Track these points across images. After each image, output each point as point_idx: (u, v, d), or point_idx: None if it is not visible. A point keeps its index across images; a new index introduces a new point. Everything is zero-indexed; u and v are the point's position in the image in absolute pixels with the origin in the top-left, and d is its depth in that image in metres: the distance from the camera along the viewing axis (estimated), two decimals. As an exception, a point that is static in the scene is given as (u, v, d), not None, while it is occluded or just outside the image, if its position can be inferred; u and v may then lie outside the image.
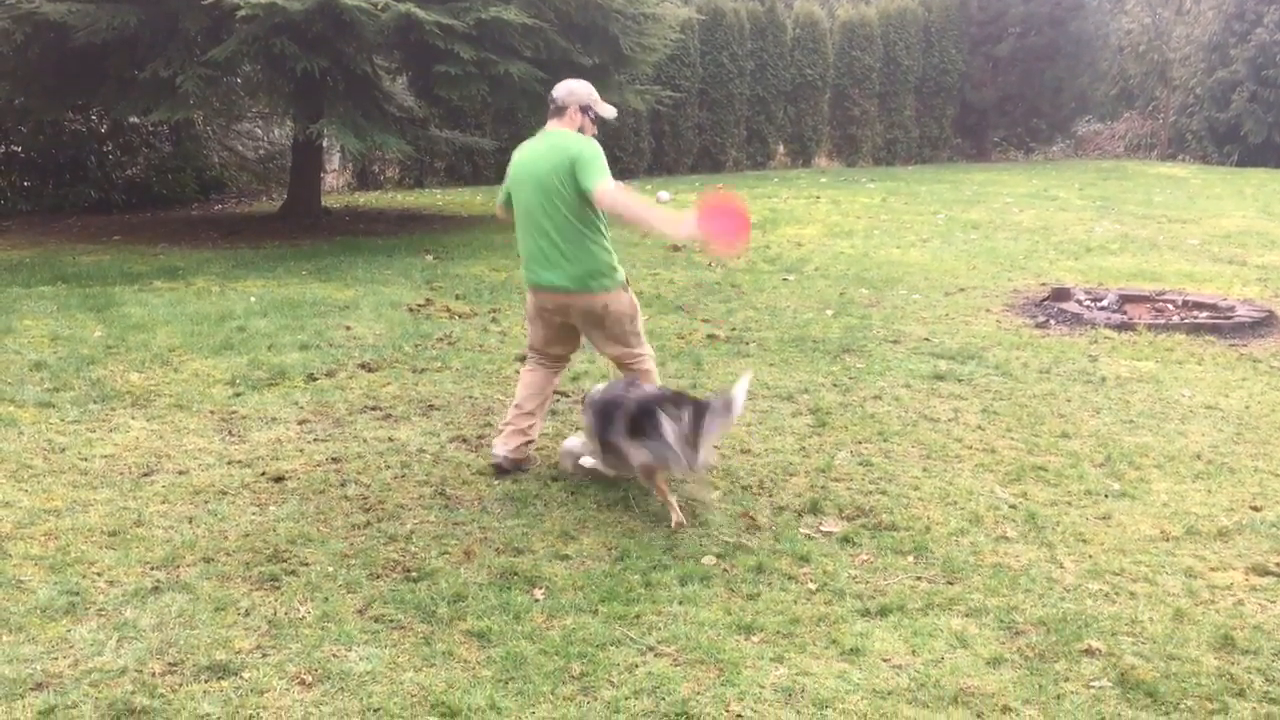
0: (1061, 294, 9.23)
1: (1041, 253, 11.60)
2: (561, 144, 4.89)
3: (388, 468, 5.20)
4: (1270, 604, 3.99)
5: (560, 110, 5.00)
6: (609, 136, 19.51)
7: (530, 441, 5.22)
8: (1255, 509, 4.87)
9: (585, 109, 5.00)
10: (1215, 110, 23.53)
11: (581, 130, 5.00)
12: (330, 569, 4.10)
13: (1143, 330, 8.13)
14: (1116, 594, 4.03)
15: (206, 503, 4.73)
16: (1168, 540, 4.53)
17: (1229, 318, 8.48)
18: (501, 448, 5.16)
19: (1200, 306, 8.89)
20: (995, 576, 4.15)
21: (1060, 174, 20.18)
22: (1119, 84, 27.18)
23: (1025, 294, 9.53)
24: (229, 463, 5.22)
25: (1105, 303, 8.95)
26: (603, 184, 4.75)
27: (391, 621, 3.72)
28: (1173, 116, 25.56)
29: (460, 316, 8.35)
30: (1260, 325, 8.34)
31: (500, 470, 5.14)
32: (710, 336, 7.82)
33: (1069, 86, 24.18)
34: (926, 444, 5.67)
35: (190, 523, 4.51)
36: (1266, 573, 4.24)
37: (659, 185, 16.95)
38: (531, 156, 4.98)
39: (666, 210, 4.85)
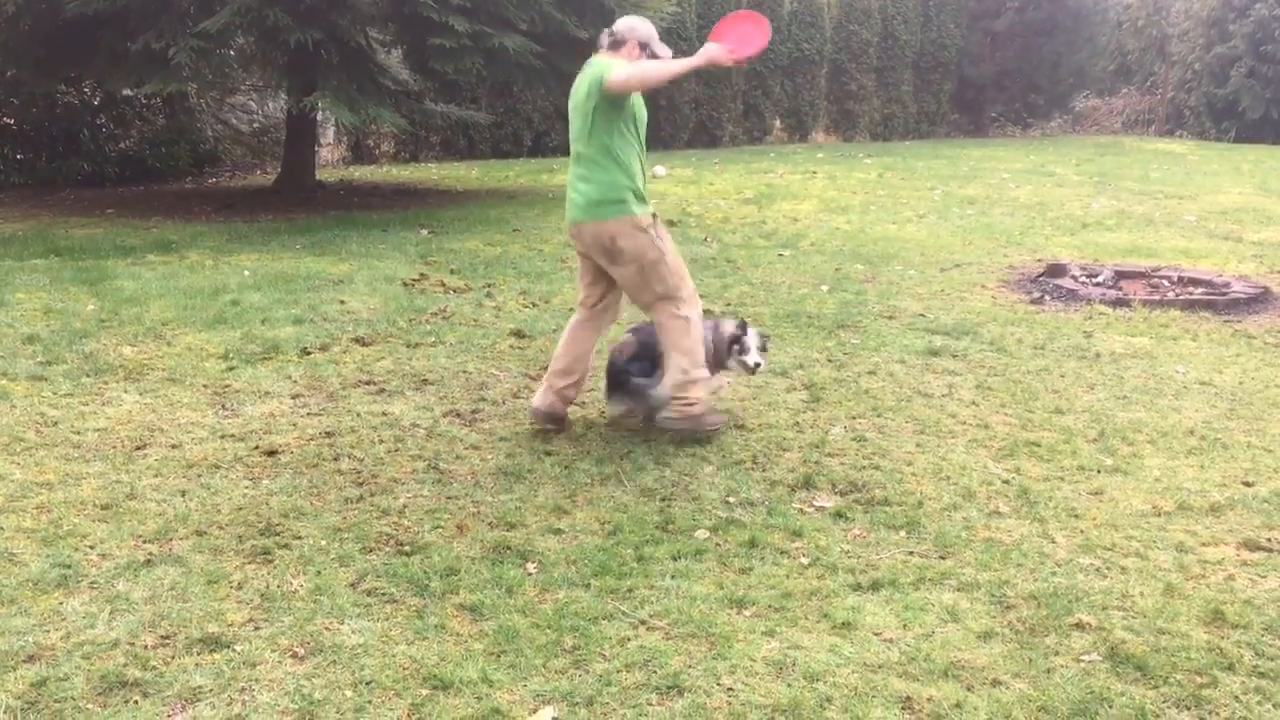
0: (1057, 270, 9.23)
1: (1038, 229, 11.58)
2: (598, 64, 4.91)
3: (381, 442, 5.19)
4: (1261, 579, 4.00)
5: (617, 45, 4.98)
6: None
7: (564, 399, 5.31)
8: (1247, 484, 4.88)
9: (644, 45, 4.96)
10: (1213, 86, 23.46)
11: None
12: (323, 543, 4.10)
13: (1138, 306, 8.13)
14: (1108, 569, 4.04)
15: (199, 476, 4.73)
16: (1160, 515, 4.54)
17: (1224, 294, 8.48)
18: (537, 398, 5.34)
19: (1196, 283, 8.89)
20: (987, 551, 4.15)
21: (1057, 150, 20.13)
22: (1117, 59, 27.07)
23: (1021, 270, 9.52)
24: (222, 436, 5.21)
25: (1101, 279, 8.94)
26: (614, 73, 4.70)
27: (384, 595, 3.72)
28: (1171, 92, 25.48)
29: (455, 291, 8.33)
30: (1255, 301, 8.34)
31: (536, 418, 5.31)
32: (706, 312, 7.79)
33: (1067, 62, 24.10)
34: (920, 419, 5.67)
35: (183, 496, 4.50)
36: (1258, 548, 4.25)
37: (655, 161, 16.88)
38: (576, 86, 5.03)
39: (684, 59, 4.80)
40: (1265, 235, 11.29)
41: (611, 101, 4.88)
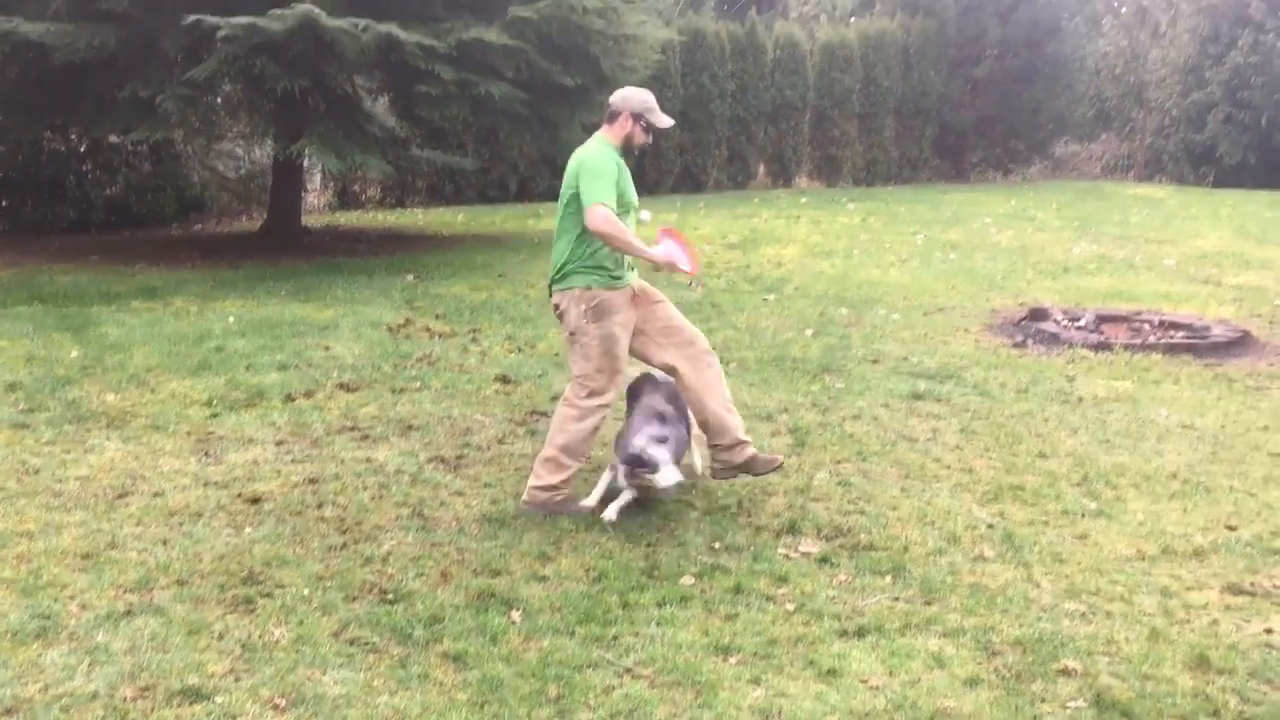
0: (1039, 314, 9.29)
1: (1019, 273, 11.67)
2: (578, 155, 4.99)
3: (365, 489, 5.18)
4: (1245, 623, 4.01)
5: (612, 116, 5.05)
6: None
7: (737, 454, 5.06)
8: (1231, 528, 4.90)
9: (637, 116, 5.01)
10: (1191, 132, 23.74)
11: (630, 137, 5.04)
12: (305, 591, 4.07)
13: (1119, 350, 8.18)
14: (1093, 614, 4.04)
15: (181, 524, 4.70)
16: (1144, 560, 4.55)
17: (1205, 338, 8.55)
18: (713, 474, 5.23)
19: (1176, 326, 8.96)
20: (972, 596, 4.15)
21: (1038, 195, 20.32)
22: (1096, 106, 27.40)
23: (1003, 314, 9.58)
24: (205, 484, 5.19)
25: (1082, 322, 9.01)
26: (596, 206, 4.75)
27: (367, 644, 3.70)
28: (1149, 138, 25.78)
29: (440, 336, 8.33)
30: (1235, 345, 8.41)
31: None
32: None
33: (1046, 108, 24.37)
34: (905, 464, 5.69)
35: (164, 545, 4.47)
36: (1241, 592, 4.26)
37: (640, 206, 16.97)
38: (570, 163, 5.07)
39: (648, 248, 4.88)
40: (1244, 279, 11.41)
41: None
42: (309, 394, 6.71)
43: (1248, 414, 6.72)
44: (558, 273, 5.01)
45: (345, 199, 18.75)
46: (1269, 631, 3.94)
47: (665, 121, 5.12)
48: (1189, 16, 24.03)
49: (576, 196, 4.88)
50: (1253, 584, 4.32)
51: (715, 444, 5.03)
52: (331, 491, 5.12)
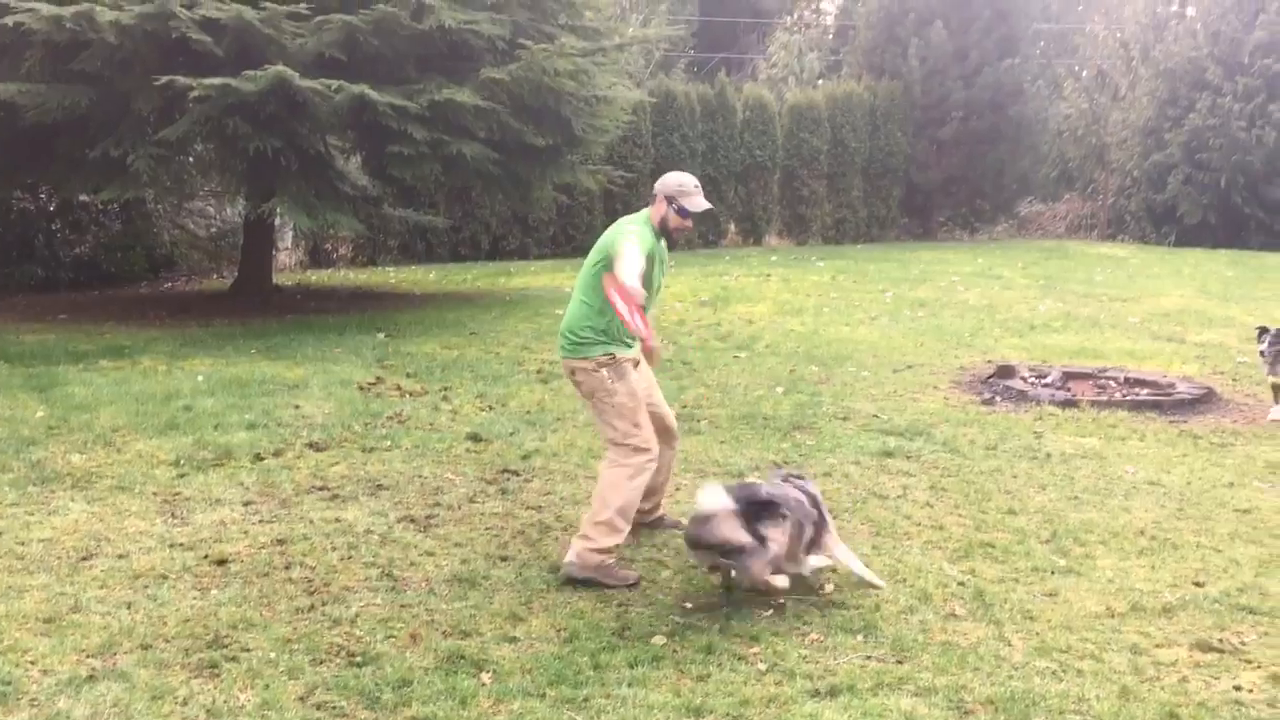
0: (1007, 371, 9.38)
1: (987, 330, 11.80)
2: (620, 226, 5.05)
3: (334, 549, 5.13)
4: (1214, 680, 4.02)
5: (654, 197, 5.16)
6: (562, 215, 19.73)
7: (655, 512, 5.47)
8: (1198, 585, 4.93)
9: (670, 200, 5.09)
10: (1152, 192, 24.20)
11: (665, 220, 5.10)
12: (272, 654, 4.01)
13: (1086, 407, 8.27)
14: (1064, 672, 4.05)
15: (146, 587, 4.63)
16: (1113, 617, 4.57)
17: (1169, 395, 8.65)
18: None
19: (1141, 384, 9.07)
20: (944, 655, 4.15)
21: (1004, 253, 20.61)
22: (1059, 166, 27.92)
23: (972, 371, 9.67)
24: (171, 545, 5.13)
25: (1049, 380, 9.10)
26: (617, 266, 4.73)
27: (334, 709, 3.65)
28: (1111, 198, 26.26)
29: (411, 395, 8.31)
30: (1199, 402, 8.51)
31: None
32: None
33: (1011, 169, 24.81)
34: (876, 521, 5.70)
35: (129, 608, 4.41)
36: (1210, 649, 4.28)
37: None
38: (611, 231, 5.13)
39: (638, 315, 4.87)
40: (1207, 337, 11.58)
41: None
42: (278, 453, 6.66)
43: (1213, 470, 6.79)
44: (576, 339, 5.01)
45: (317, 257, 18.75)
46: (1237, 689, 3.95)
47: (700, 206, 5.13)
48: (1148, 80, 24.61)
49: (605, 263, 4.90)
50: (1221, 640, 4.35)
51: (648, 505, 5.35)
52: (299, 552, 5.06)
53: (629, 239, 4.84)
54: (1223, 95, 22.81)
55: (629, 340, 5.02)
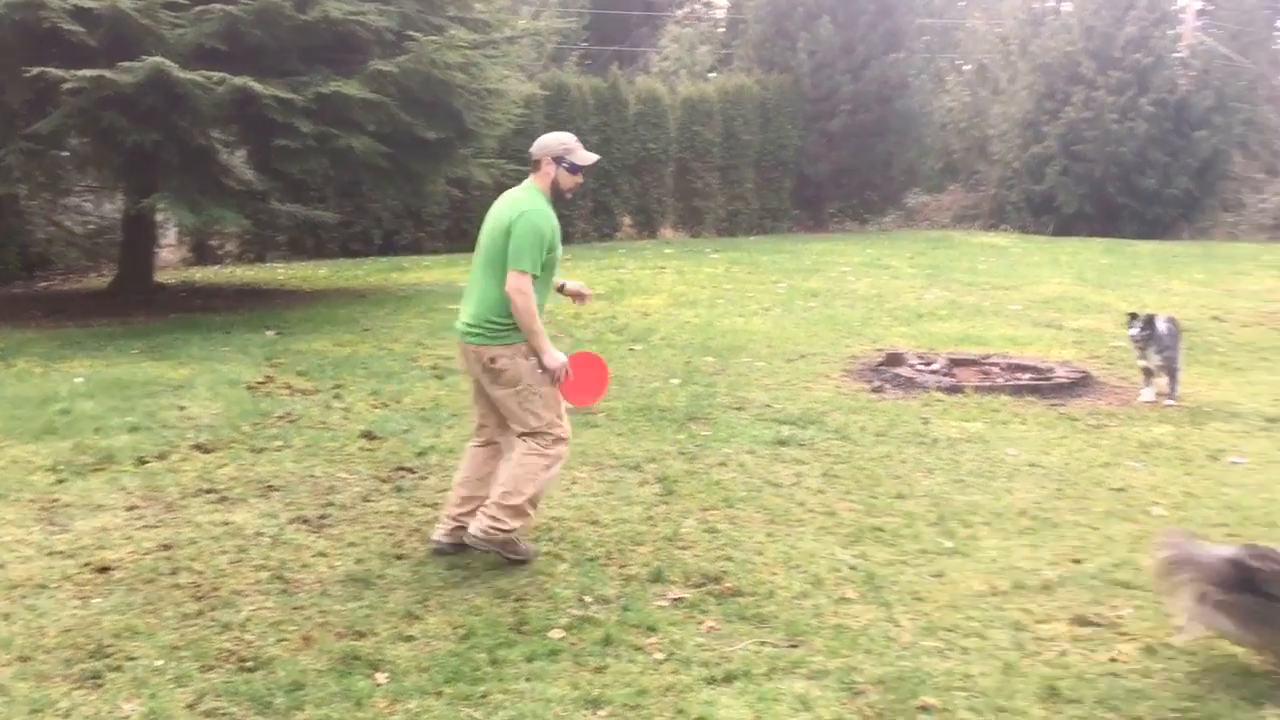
0: (895, 359, 9.60)
1: (876, 319, 12.05)
2: (516, 204, 4.93)
3: (223, 553, 5.01)
4: (1092, 653, 4.19)
5: (535, 164, 5.04)
6: (455, 209, 19.53)
7: (461, 528, 5.03)
8: (1076, 562, 5.13)
9: (558, 159, 5.01)
10: (1031, 183, 24.99)
11: (556, 183, 5.02)
12: (159, 662, 3.91)
13: (971, 392, 8.51)
14: (950, 650, 4.17)
15: (24, 597, 4.47)
16: (997, 595, 4.72)
17: (1049, 379, 8.96)
18: (438, 534, 5.14)
19: (1022, 369, 9.37)
20: (836, 638, 4.25)
21: (893, 244, 21.07)
22: (944, 159, 28.67)
23: (862, 359, 9.87)
24: (50, 554, 4.95)
25: (936, 367, 9.34)
26: (518, 274, 4.75)
27: (224, 715, 3.57)
28: (993, 189, 27.02)
29: (302, 393, 8.15)
30: (1077, 385, 8.84)
31: (438, 553, 5.07)
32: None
33: (898, 161, 25.37)
34: (770, 509, 5.79)
35: (5, 620, 4.25)
36: (1088, 623, 4.46)
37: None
38: (495, 208, 5.04)
39: (543, 338, 4.86)
40: (1084, 323, 12.02)
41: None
42: (163, 456, 6.47)
43: (1089, 451, 7.06)
44: (496, 326, 4.86)
45: (202, 254, 18.26)
46: (1114, 660, 4.13)
47: (589, 159, 5.11)
48: (1026, 74, 25.39)
49: (504, 243, 4.83)
50: (1098, 615, 4.53)
51: (467, 509, 5.06)
52: (186, 557, 4.94)
53: (533, 237, 4.78)
54: (1096, 89, 23.65)
55: None
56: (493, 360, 4.87)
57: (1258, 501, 6.01)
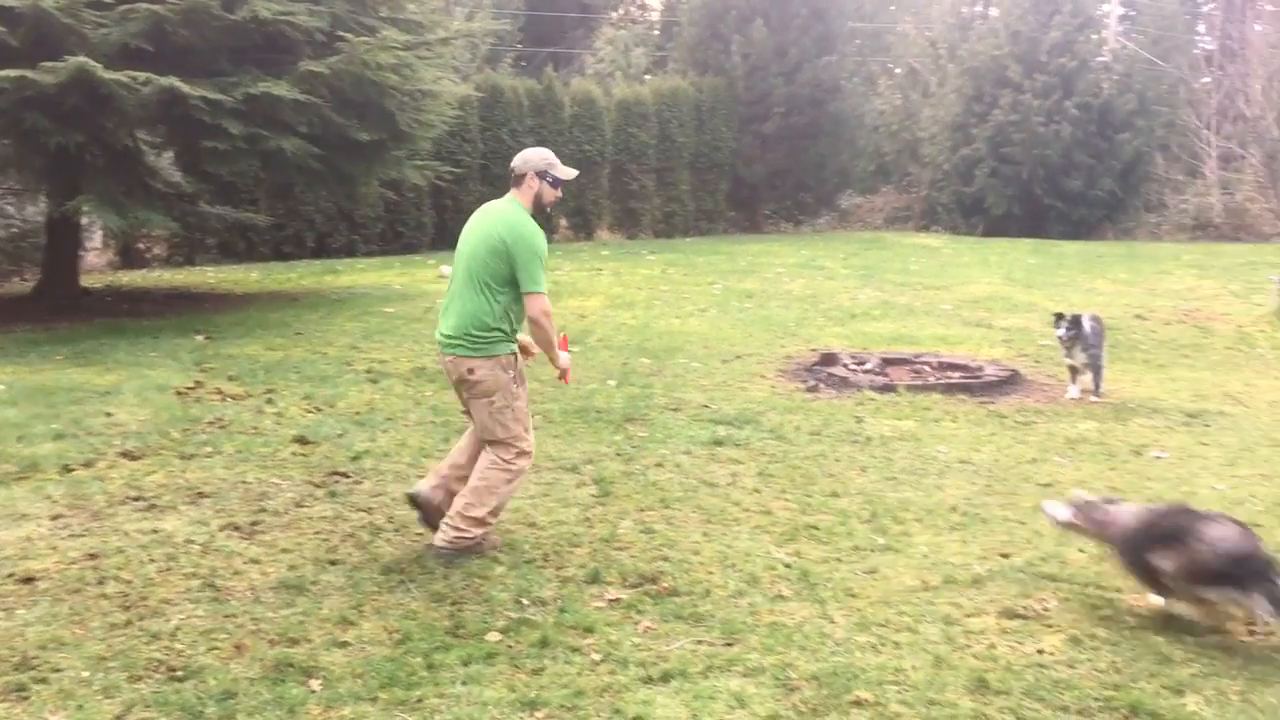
0: (829, 359, 9.72)
1: (811, 320, 12.18)
2: (505, 220, 4.99)
3: (151, 561, 4.92)
4: (1020, 645, 4.28)
5: (518, 179, 5.10)
6: (389, 211, 19.35)
7: (449, 495, 5.14)
8: (1005, 556, 5.23)
9: (541, 174, 5.08)
10: (961, 185, 25.43)
11: (539, 196, 5.10)
12: (85, 674, 3.83)
13: (903, 391, 8.64)
14: (882, 645, 4.24)
15: (-57, 611, 4.35)
16: (928, 590, 4.80)
17: (978, 377, 9.13)
18: (423, 484, 5.22)
19: (953, 367, 9.53)
20: (771, 635, 4.29)
21: (827, 245, 21.29)
22: (876, 161, 29.09)
23: (797, 359, 9.97)
24: (-30, 566, 4.82)
25: (869, 366, 9.46)
26: (538, 296, 4.93)
27: (154, 726, 3.51)
28: (924, 191, 27.47)
29: (233, 398, 8.03)
30: (1006, 384, 9.01)
31: (412, 502, 5.21)
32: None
33: (831, 163, 25.67)
34: (706, 509, 5.83)
35: (-76, 634, 4.13)
36: (1015, 616, 4.55)
37: (441, 260, 16.87)
38: (479, 221, 5.09)
39: (560, 352, 5.25)
40: (1012, 322, 12.25)
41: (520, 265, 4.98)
42: (88, 464, 6.34)
43: (1018, 448, 7.20)
44: (476, 339, 4.93)
45: (129, 258, 17.90)
46: (1041, 652, 4.22)
47: (569, 173, 5.22)
48: (955, 78, 25.83)
49: (508, 264, 4.90)
50: (1025, 608, 4.62)
51: (456, 475, 5.18)
52: (114, 566, 4.84)
53: (537, 257, 4.93)
54: (1023, 92, 24.13)
55: (515, 339, 5.12)
56: (470, 371, 4.97)
57: (1179, 494, 6.17)
